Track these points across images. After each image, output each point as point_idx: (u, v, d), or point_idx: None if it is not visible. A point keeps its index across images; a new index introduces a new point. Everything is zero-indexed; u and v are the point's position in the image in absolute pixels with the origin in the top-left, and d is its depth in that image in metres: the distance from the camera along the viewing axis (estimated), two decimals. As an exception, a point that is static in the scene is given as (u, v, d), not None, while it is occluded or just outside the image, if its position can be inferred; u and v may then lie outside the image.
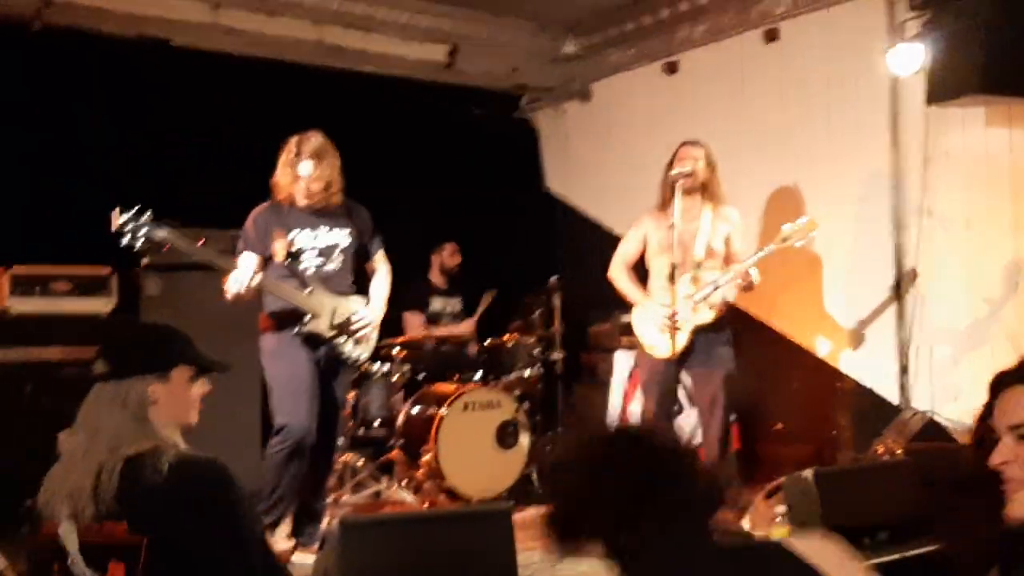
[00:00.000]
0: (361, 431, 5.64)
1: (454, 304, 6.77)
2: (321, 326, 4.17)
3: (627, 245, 4.95)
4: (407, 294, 6.57)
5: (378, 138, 6.72)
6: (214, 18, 5.83)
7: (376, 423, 5.70)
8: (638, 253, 4.90)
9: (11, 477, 2.57)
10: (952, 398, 5.01)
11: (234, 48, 5.98)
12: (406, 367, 5.75)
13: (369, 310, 4.32)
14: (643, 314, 4.75)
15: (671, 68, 6.64)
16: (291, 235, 4.16)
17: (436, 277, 6.75)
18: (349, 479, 5.32)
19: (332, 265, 4.24)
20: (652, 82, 6.78)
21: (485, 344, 6.03)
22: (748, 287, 4.60)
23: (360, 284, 4.41)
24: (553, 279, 6.11)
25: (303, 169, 4.10)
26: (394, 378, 5.68)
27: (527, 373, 5.84)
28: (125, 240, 3.76)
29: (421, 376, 5.97)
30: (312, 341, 4.16)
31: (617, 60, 7.08)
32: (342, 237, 4.28)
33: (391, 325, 6.42)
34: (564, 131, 7.65)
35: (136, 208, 3.77)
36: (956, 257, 5.04)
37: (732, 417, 4.91)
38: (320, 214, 4.22)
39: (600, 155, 7.26)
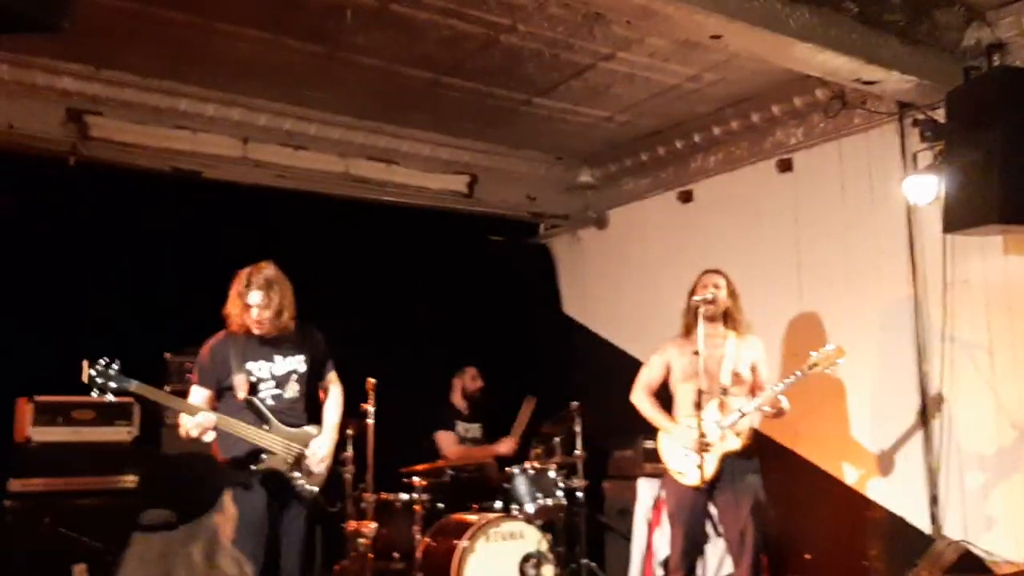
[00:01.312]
0: (380, 563, 5.49)
1: (475, 430, 6.71)
2: (277, 462, 4.16)
3: (650, 371, 4.93)
4: (435, 415, 6.55)
5: (401, 265, 6.87)
6: (244, 152, 5.99)
7: (395, 555, 5.55)
8: (661, 379, 4.89)
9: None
10: (986, 527, 4.88)
11: (262, 180, 6.12)
12: (426, 496, 5.64)
13: (322, 442, 4.30)
14: (671, 440, 4.69)
15: (686, 197, 6.75)
16: (248, 366, 4.18)
17: (458, 401, 6.72)
18: (369, 614, 5.16)
19: (288, 393, 4.25)
20: (667, 210, 6.88)
21: (505, 471, 5.93)
22: (779, 414, 4.55)
23: (310, 405, 4.41)
24: (574, 404, 6.05)
25: (252, 299, 4.13)
26: (414, 507, 5.56)
27: (550, 502, 5.71)
28: (95, 393, 3.80)
29: (442, 505, 5.86)
30: (266, 479, 4.13)
31: (632, 189, 7.22)
32: (297, 363, 4.29)
33: (410, 449, 6.38)
34: (581, 257, 7.73)
35: (104, 361, 3.82)
36: (981, 383, 4.99)
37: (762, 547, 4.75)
38: (274, 343, 4.25)
39: (616, 281, 7.31)
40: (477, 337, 7.03)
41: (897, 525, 5.26)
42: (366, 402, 5.23)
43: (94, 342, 5.26)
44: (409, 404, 6.43)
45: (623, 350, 7.12)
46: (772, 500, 4.95)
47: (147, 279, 5.77)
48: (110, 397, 3.80)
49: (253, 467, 4.10)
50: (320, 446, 4.27)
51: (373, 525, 5.32)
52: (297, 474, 4.21)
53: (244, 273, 4.19)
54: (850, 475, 5.53)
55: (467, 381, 6.74)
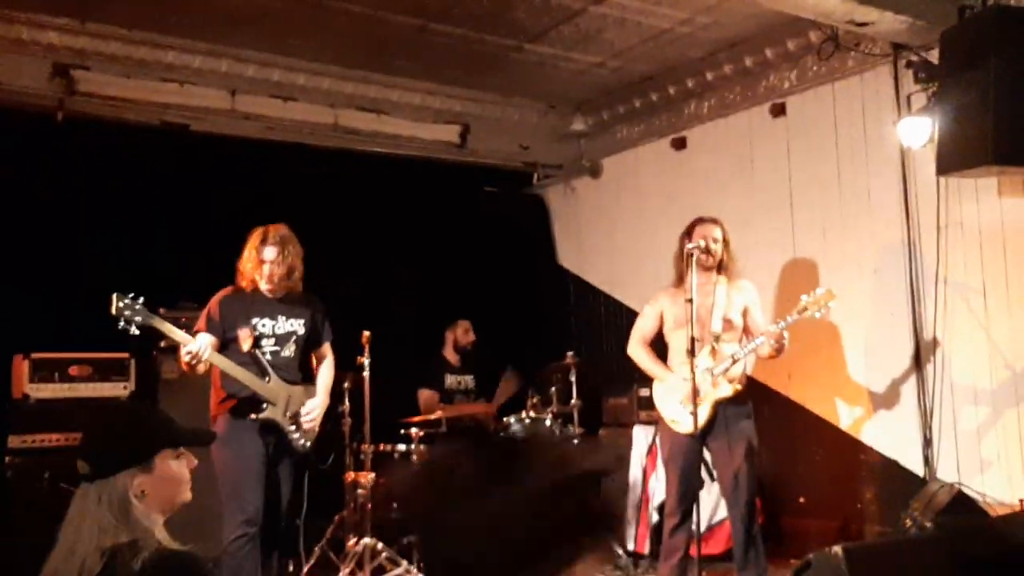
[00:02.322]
0: (379, 513, 5.55)
1: (467, 381, 6.75)
2: (277, 414, 4.32)
3: (644, 322, 4.94)
4: (422, 371, 6.58)
5: (392, 217, 6.84)
6: (232, 104, 5.94)
7: (394, 504, 5.61)
8: (655, 329, 4.90)
9: (28, 566, 2.53)
10: (979, 469, 4.93)
11: (251, 133, 6.08)
12: (424, 447, 5.68)
13: (315, 402, 4.48)
14: (664, 389, 4.72)
15: (680, 143, 6.72)
16: (253, 321, 4.33)
17: (450, 354, 6.75)
18: (368, 562, 5.22)
19: (287, 352, 4.41)
20: (661, 157, 6.86)
21: (503, 420, 5.97)
22: (779, 349, 4.55)
23: (303, 368, 4.54)
24: (569, 354, 6.06)
25: (268, 253, 4.30)
26: (412, 458, 5.61)
27: (546, 451, 5.73)
28: (120, 325, 3.94)
29: (439, 455, 5.91)
30: (265, 428, 4.28)
31: (626, 136, 7.18)
32: (299, 326, 4.46)
33: (406, 401, 6.43)
34: (575, 207, 7.73)
35: (131, 295, 3.95)
36: (975, 326, 5.01)
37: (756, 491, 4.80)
38: (281, 302, 4.41)
39: (610, 230, 7.32)
40: (471, 289, 7.04)
41: (891, 468, 5.32)
42: (362, 355, 5.28)
43: (87, 297, 5.30)
44: (404, 356, 6.48)
45: (618, 300, 7.17)
46: (766, 444, 4.99)
47: (138, 234, 5.77)
48: (134, 330, 3.95)
49: (254, 416, 4.25)
50: (314, 405, 4.46)
51: (371, 475, 5.38)
52: (293, 427, 4.37)
53: (260, 230, 4.34)
54: (844, 418, 5.58)
55: (459, 334, 6.76)
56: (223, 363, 4.23)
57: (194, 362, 4.07)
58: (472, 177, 7.43)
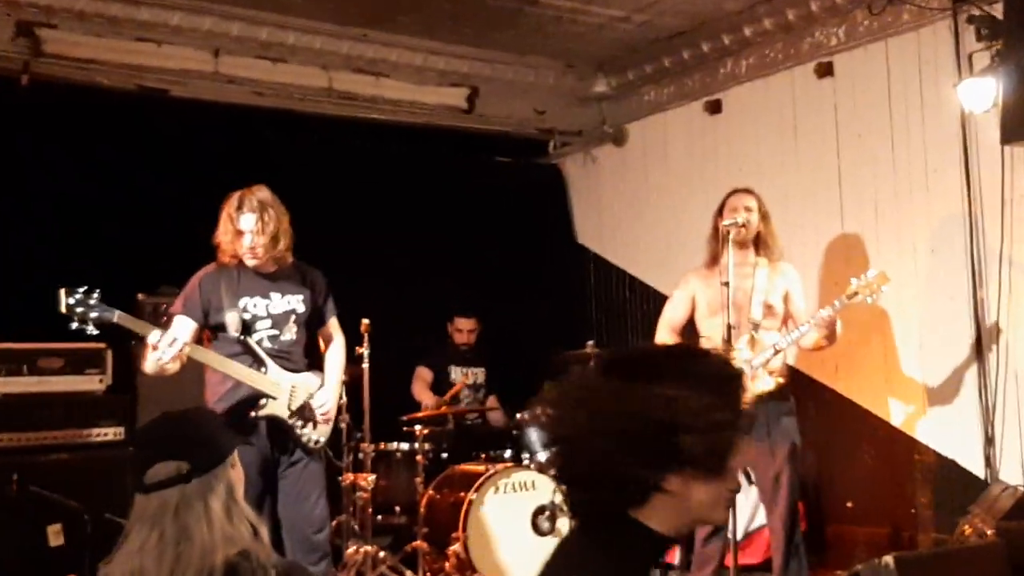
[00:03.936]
0: (380, 518, 5.66)
1: (477, 375, 6.82)
2: (279, 409, 4.18)
3: (673, 308, 4.99)
4: (429, 349, 6.72)
5: (393, 191, 6.89)
6: (215, 66, 5.99)
7: (397, 509, 5.72)
8: (686, 316, 4.94)
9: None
10: (1046, 470, 4.98)
11: (237, 98, 6.13)
12: (428, 445, 5.77)
13: (327, 391, 4.34)
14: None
15: (714, 107, 6.74)
16: (241, 303, 4.18)
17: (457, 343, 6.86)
18: (370, 572, 5.32)
19: (286, 336, 4.26)
20: (693, 123, 6.88)
21: (516, 418, 6.06)
22: (831, 338, 4.59)
23: (309, 353, 4.46)
24: (589, 344, 6.13)
25: (244, 223, 4.11)
26: (416, 458, 5.69)
27: (565, 449, 5.80)
28: (74, 324, 3.80)
29: (445, 455, 6.00)
30: (268, 426, 4.16)
31: (653, 99, 7.20)
32: (297, 303, 4.31)
33: (410, 396, 6.51)
34: (596, 178, 7.75)
35: (84, 288, 3.81)
36: (1043, 311, 5.05)
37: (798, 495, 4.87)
38: (271, 278, 4.27)
39: (636, 204, 7.35)
40: (480, 271, 7.11)
41: (948, 469, 5.36)
42: (360, 345, 5.32)
43: (57, 282, 5.37)
44: (406, 347, 6.55)
45: (644, 282, 7.21)
46: (810, 444, 5.05)
47: (113, 211, 5.83)
48: (91, 329, 3.80)
49: (252, 414, 4.12)
50: (326, 398, 4.32)
51: (372, 477, 5.46)
52: (300, 423, 4.24)
53: (235, 196, 4.17)
54: (896, 414, 5.62)
55: (454, 332, 6.86)
56: (203, 355, 4.08)
57: (163, 358, 3.87)
58: (481, 146, 7.45)
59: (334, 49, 6.34)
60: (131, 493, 2.16)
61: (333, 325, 4.54)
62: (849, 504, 5.82)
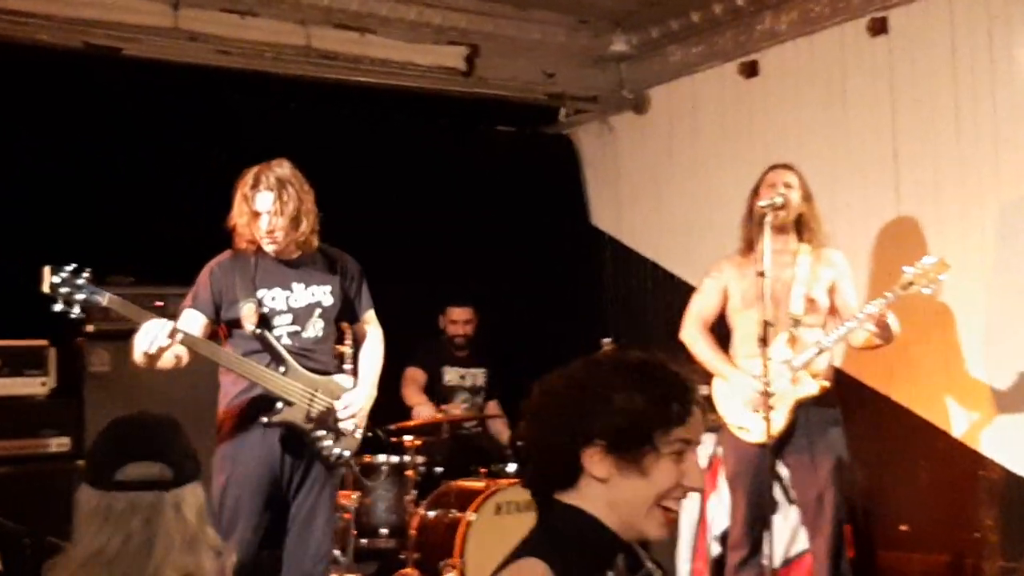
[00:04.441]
0: (364, 542, 5.65)
1: (475, 376, 6.81)
2: (297, 416, 4.16)
3: (703, 300, 4.98)
4: (413, 347, 6.69)
5: (380, 165, 6.89)
6: (174, 21, 5.96)
7: (383, 531, 5.70)
8: (717, 309, 4.94)
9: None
10: None
11: (200, 58, 6.10)
12: (419, 458, 5.76)
13: (356, 394, 4.32)
14: (728, 388, 4.76)
15: (749, 69, 6.71)
16: (258, 295, 4.20)
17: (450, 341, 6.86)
18: (352, 604, 5.33)
19: (310, 332, 4.27)
20: (725, 88, 6.86)
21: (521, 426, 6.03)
22: (884, 336, 4.55)
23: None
24: (606, 341, 6.13)
25: (261, 202, 4.12)
26: (405, 472, 5.68)
27: (576, 464, 5.79)
28: (58, 306, 3.81)
29: (439, 469, 5.99)
30: (285, 436, 4.15)
31: (680, 60, 7.17)
32: (322, 295, 4.32)
33: (399, 400, 6.50)
34: (613, 151, 7.73)
35: (72, 267, 3.82)
36: None
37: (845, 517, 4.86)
38: (293, 266, 4.29)
39: (659, 181, 7.33)
40: (481, 257, 7.11)
41: (1018, 487, 5.34)
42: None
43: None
44: (395, 343, 6.52)
45: (668, 271, 7.21)
46: (859, 457, 5.03)
47: (57, 187, 5.80)
48: (77, 311, 3.83)
49: (265, 419, 4.10)
50: (354, 400, 4.30)
51: (355, 495, 5.47)
52: (321, 432, 4.20)
53: (250, 172, 4.19)
54: (959, 424, 5.60)
55: (448, 325, 6.84)
56: (206, 348, 4.07)
57: (152, 349, 3.84)
58: (481, 113, 7.44)
59: (313, 1, 6.30)
60: (81, 484, 2.15)
61: (369, 318, 4.54)
62: (903, 527, 5.80)
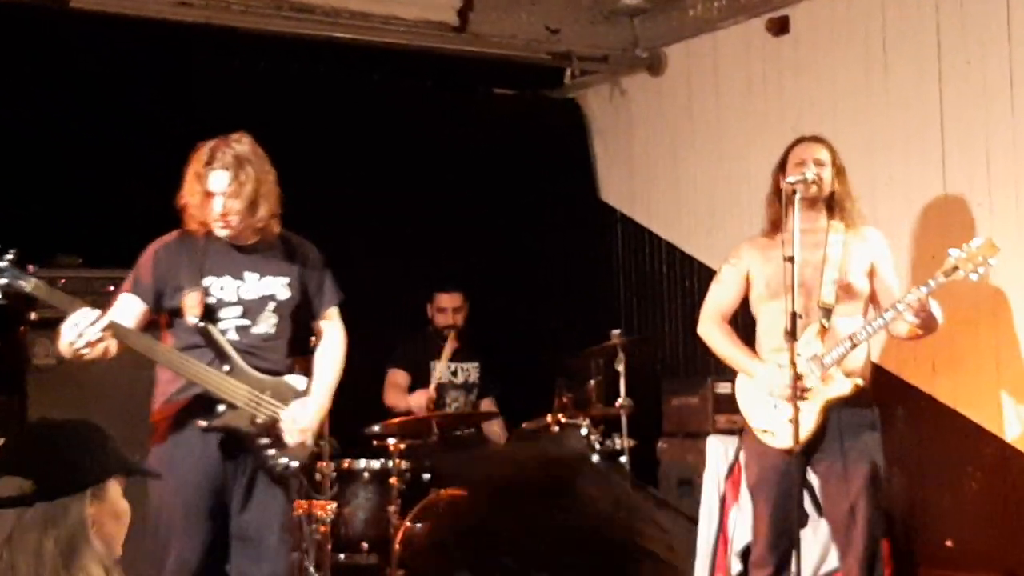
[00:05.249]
0: (342, 557, 5.69)
1: (469, 371, 6.83)
2: (241, 421, 4.17)
3: (722, 289, 4.98)
4: (396, 347, 6.73)
5: (361, 132, 6.86)
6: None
7: (364, 545, 5.74)
8: (737, 299, 4.95)
9: None
10: None
11: (157, 11, 6.08)
12: (405, 463, 5.78)
13: (305, 408, 4.31)
14: (752, 386, 4.77)
15: (779, 26, 6.67)
16: (205, 283, 4.21)
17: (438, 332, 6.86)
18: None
19: (261, 328, 4.28)
20: (751, 46, 6.85)
21: (520, 428, 6.07)
22: (926, 326, 4.55)
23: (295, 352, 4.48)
24: (615, 333, 6.14)
25: (215, 182, 4.11)
26: (389, 480, 5.71)
27: (581, 470, 5.80)
28: None
29: (427, 476, 6.03)
30: (226, 443, 4.17)
31: (700, 15, 7.14)
32: (278, 287, 4.33)
33: (381, 400, 6.51)
34: (625, 118, 7.72)
35: None
36: None
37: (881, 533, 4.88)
38: (247, 252, 4.30)
39: (677, 151, 7.32)
40: (474, 238, 7.12)
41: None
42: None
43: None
44: (377, 335, 6.52)
45: (686, 253, 7.22)
46: (898, 463, 5.04)
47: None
48: None
49: (204, 423, 4.11)
50: (304, 408, 4.29)
51: (332, 505, 5.49)
52: (266, 440, 4.21)
53: (205, 147, 4.18)
54: (1011, 426, 5.59)
55: (436, 313, 6.84)
56: (141, 343, 4.09)
57: (79, 343, 3.88)
58: (476, 74, 7.45)
59: (284, -53, 6.32)
60: None
61: (330, 315, 4.53)
62: (948, 543, 5.80)
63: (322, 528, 5.45)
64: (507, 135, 7.55)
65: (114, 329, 3.97)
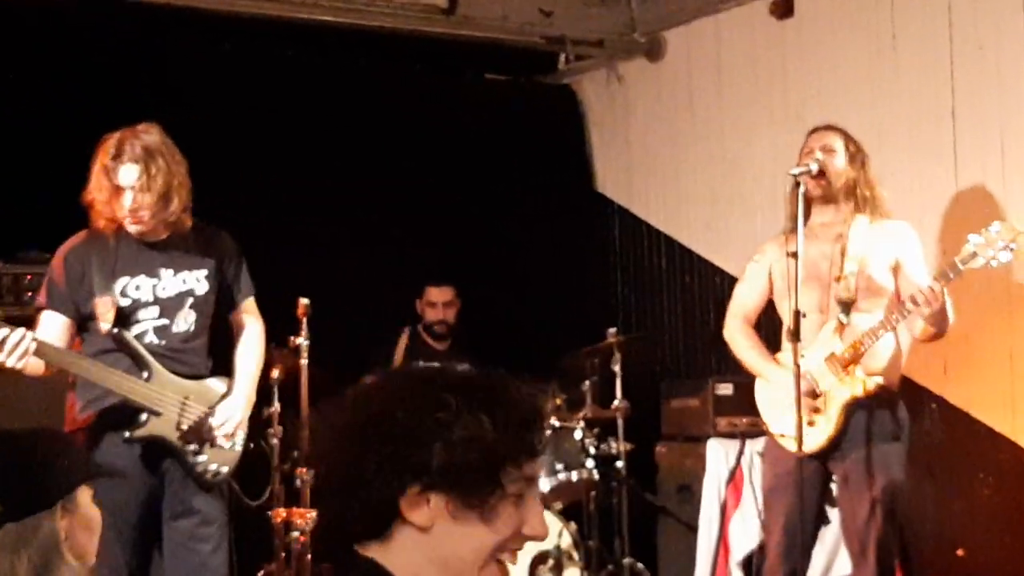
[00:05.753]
0: (324, 567, 5.57)
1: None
2: (165, 428, 4.16)
3: (744, 289, 5.01)
4: (375, 346, 6.67)
5: (345, 121, 6.83)
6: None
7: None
8: (762, 299, 4.94)
9: None
10: None
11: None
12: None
13: (232, 405, 4.32)
14: (772, 390, 4.72)
15: (783, 8, 6.63)
16: (119, 284, 4.18)
17: (428, 331, 6.84)
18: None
19: (180, 326, 4.27)
20: (755, 30, 6.81)
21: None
22: (938, 324, 4.50)
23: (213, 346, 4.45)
24: (611, 331, 6.12)
25: (124, 176, 4.06)
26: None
27: (575, 476, 5.78)
28: None
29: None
30: (150, 452, 4.15)
31: (701, -2, 7.12)
32: (195, 282, 4.32)
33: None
34: (623, 105, 7.69)
35: None
36: None
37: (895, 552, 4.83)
38: (160, 249, 4.27)
39: (677, 140, 7.29)
40: (463, 232, 7.09)
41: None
42: (297, 333, 5.28)
43: None
44: (360, 334, 6.56)
45: (686, 247, 7.18)
46: (907, 469, 4.95)
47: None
48: None
49: (127, 434, 4.08)
50: (231, 410, 4.29)
51: (311, 513, 5.35)
52: (194, 447, 4.22)
53: (111, 139, 4.12)
54: (1027, 431, 5.58)
55: (425, 308, 6.81)
56: (60, 358, 4.05)
57: (9, 363, 3.82)
58: (466, 58, 7.43)
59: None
60: None
61: (247, 307, 4.52)
62: (960, 552, 5.77)
63: (301, 537, 5.35)
64: (499, 123, 7.54)
65: (40, 349, 3.90)
